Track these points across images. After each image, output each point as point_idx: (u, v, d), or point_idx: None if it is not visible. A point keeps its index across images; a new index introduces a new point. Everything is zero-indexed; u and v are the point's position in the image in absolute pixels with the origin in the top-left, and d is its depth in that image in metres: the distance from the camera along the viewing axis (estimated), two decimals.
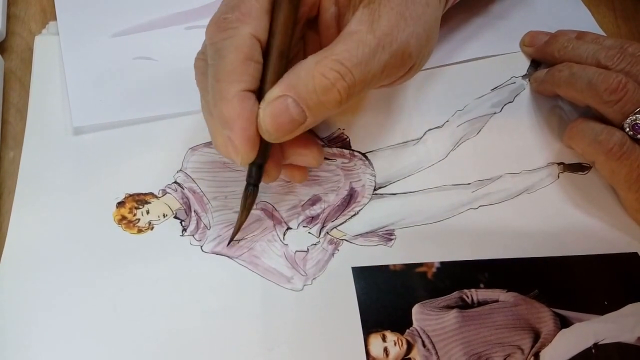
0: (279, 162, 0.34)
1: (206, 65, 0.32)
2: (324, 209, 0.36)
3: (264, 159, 0.32)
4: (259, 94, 0.31)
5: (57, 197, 0.36)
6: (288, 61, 0.32)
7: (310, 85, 0.29)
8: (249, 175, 0.33)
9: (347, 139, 0.39)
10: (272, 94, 0.30)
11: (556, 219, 0.36)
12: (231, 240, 0.35)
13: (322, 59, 0.29)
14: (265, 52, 0.31)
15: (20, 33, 0.44)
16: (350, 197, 0.37)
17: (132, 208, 0.36)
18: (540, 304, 0.33)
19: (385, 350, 0.32)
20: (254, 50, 0.30)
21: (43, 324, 0.32)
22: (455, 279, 0.34)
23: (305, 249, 0.35)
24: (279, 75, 0.30)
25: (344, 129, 0.39)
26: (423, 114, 0.40)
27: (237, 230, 0.34)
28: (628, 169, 0.34)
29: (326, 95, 0.29)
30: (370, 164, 0.38)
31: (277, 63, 0.31)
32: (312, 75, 0.29)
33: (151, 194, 0.37)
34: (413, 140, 0.39)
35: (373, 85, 0.31)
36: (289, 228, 0.36)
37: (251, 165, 0.32)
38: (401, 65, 0.32)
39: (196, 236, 0.35)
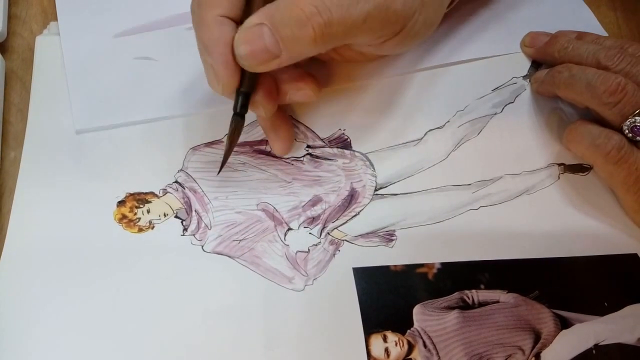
0: (272, 94, 0.34)
1: None
2: (324, 210, 0.36)
3: (251, 88, 0.33)
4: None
5: (57, 197, 0.36)
6: None
7: (286, 17, 0.30)
8: (235, 104, 0.33)
9: (348, 140, 0.39)
10: (250, 21, 0.31)
11: (556, 220, 0.36)
12: (219, 171, 0.35)
13: None
14: None
15: (21, 33, 0.44)
16: (351, 198, 0.37)
17: (132, 207, 0.36)
18: (540, 305, 0.33)
19: (386, 350, 0.32)
20: None
21: (43, 323, 0.32)
22: (456, 279, 0.34)
23: (307, 250, 0.35)
24: (261, 6, 0.31)
25: (344, 130, 0.39)
26: (424, 114, 0.40)
27: (224, 161, 0.35)
28: (626, 172, 0.34)
29: (300, 30, 0.30)
30: (371, 164, 0.38)
31: None
32: (290, 8, 0.30)
33: (152, 193, 0.37)
34: (414, 140, 0.39)
35: (354, 34, 0.32)
36: (289, 229, 0.36)
37: (237, 93, 0.33)
38: (385, 20, 0.32)
39: (197, 236, 0.35)
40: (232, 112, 0.34)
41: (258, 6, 0.31)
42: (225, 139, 0.34)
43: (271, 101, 0.34)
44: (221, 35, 0.31)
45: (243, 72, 0.32)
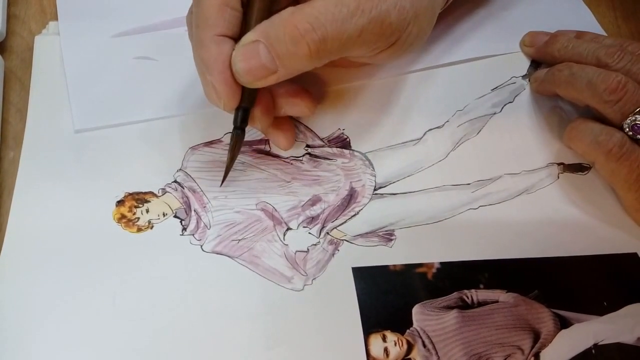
0: (269, 109, 0.35)
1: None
2: (324, 209, 0.36)
3: (250, 103, 0.34)
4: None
5: (56, 197, 0.36)
6: (270, 10, 0.33)
7: (281, 34, 0.30)
8: (235, 119, 0.34)
9: (347, 139, 0.39)
10: (246, 38, 0.31)
11: (556, 219, 0.36)
12: (222, 182, 0.36)
13: (298, 11, 0.31)
14: (247, 1, 0.33)
15: (20, 33, 0.44)
16: (351, 197, 0.37)
17: (131, 207, 0.36)
18: (540, 304, 0.33)
19: (386, 350, 0.32)
20: None
21: (42, 322, 0.32)
22: (455, 279, 0.34)
23: (306, 249, 0.35)
24: (258, 23, 0.31)
25: (344, 129, 0.39)
26: (423, 114, 0.40)
27: (226, 173, 0.35)
28: (628, 169, 0.34)
29: (295, 46, 0.30)
30: (371, 164, 0.38)
31: (257, 10, 0.32)
32: (285, 25, 0.30)
33: (151, 192, 0.37)
34: (413, 140, 0.39)
35: (349, 48, 0.32)
36: (289, 228, 0.36)
37: (237, 109, 0.33)
38: (380, 33, 0.32)
39: (196, 235, 0.35)
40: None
41: (255, 23, 0.32)
42: (227, 152, 0.35)
43: (268, 115, 0.35)
44: (220, 54, 0.31)
45: (243, 88, 0.33)
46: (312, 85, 0.40)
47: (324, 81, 0.40)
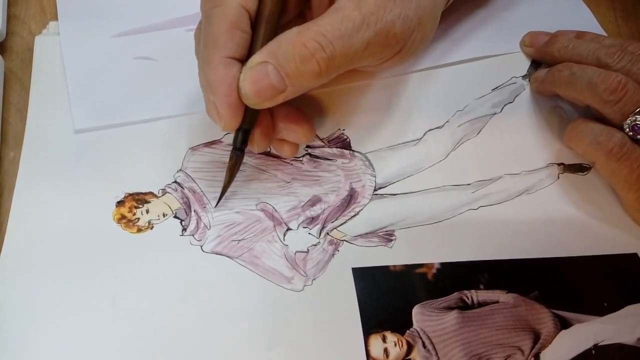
0: (268, 133, 0.35)
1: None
2: (324, 210, 0.36)
3: (250, 125, 0.34)
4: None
5: (56, 197, 0.36)
6: (276, 31, 0.33)
7: (290, 54, 0.30)
8: (234, 140, 0.34)
9: (348, 140, 0.39)
10: (254, 60, 0.31)
11: (556, 219, 0.36)
12: (217, 203, 0.36)
13: (305, 30, 0.31)
14: (255, 21, 0.32)
15: (20, 33, 0.44)
16: (351, 198, 0.37)
17: (131, 207, 0.36)
18: (540, 305, 0.33)
19: (386, 350, 0.32)
20: (240, 19, 0.32)
21: (41, 322, 0.32)
22: (455, 279, 0.34)
23: (306, 250, 0.35)
24: (265, 44, 0.31)
25: (344, 130, 0.39)
26: (423, 114, 0.40)
27: (222, 193, 0.35)
28: (628, 169, 0.34)
29: (305, 65, 0.30)
30: (371, 164, 0.38)
31: (264, 32, 0.32)
32: (293, 44, 0.30)
33: (151, 193, 0.37)
34: (413, 140, 0.39)
35: (356, 62, 0.32)
36: (289, 229, 0.36)
37: (237, 130, 0.34)
38: (385, 44, 0.32)
39: (196, 236, 0.35)
40: None
41: (259, 44, 0.32)
42: (225, 172, 0.35)
43: (267, 138, 0.35)
44: (227, 76, 0.31)
45: (245, 109, 0.32)
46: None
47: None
